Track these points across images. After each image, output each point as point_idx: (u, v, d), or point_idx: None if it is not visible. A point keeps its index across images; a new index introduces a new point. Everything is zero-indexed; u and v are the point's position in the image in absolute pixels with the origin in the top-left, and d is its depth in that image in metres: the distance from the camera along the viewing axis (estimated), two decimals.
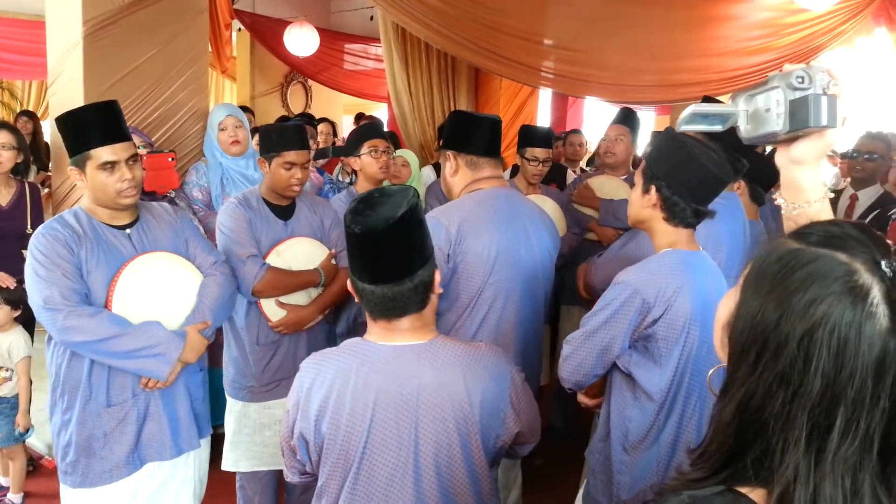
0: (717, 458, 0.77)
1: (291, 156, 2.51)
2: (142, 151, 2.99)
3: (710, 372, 0.91)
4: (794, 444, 0.69)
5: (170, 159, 3.04)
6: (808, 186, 1.02)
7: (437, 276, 1.51)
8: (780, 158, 1.04)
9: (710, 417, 0.81)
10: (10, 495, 3.13)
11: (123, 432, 2.07)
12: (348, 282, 1.51)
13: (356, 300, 1.51)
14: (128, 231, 2.10)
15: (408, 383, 1.44)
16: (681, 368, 1.77)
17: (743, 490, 0.74)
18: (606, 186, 3.66)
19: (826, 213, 1.02)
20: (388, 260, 1.43)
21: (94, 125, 2.02)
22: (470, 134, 2.28)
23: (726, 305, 0.83)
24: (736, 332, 0.76)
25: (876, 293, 0.68)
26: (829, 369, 0.67)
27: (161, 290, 2.11)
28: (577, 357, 1.84)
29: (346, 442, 1.44)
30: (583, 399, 2.09)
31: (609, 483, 1.90)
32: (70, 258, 1.96)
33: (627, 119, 3.75)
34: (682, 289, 1.74)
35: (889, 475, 0.69)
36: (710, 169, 1.73)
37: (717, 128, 1.02)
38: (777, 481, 0.70)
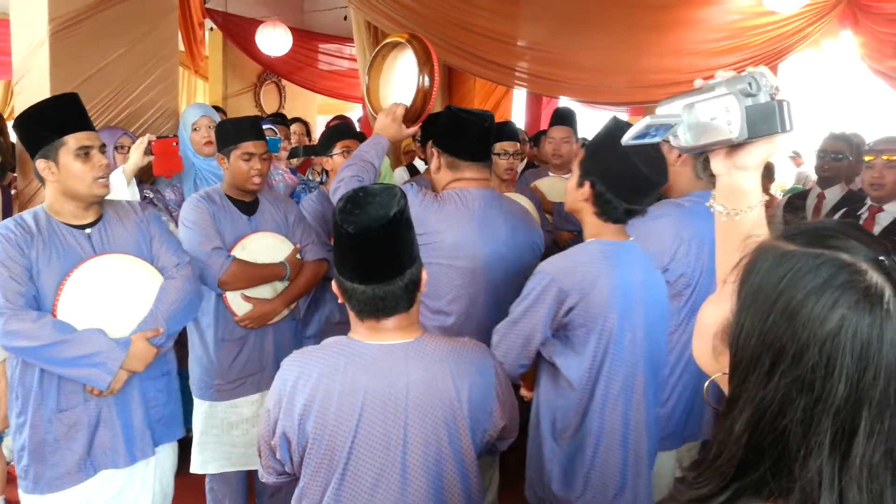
0: (726, 472, 0.74)
1: (249, 146, 2.50)
2: (151, 138, 2.98)
3: (706, 384, 0.87)
4: (818, 450, 0.67)
5: (174, 143, 3.04)
6: (751, 190, 0.98)
7: (424, 275, 1.52)
8: (720, 166, 0.99)
9: (714, 432, 0.78)
10: None
11: (74, 438, 2.01)
12: (333, 283, 1.50)
13: (340, 300, 1.50)
14: (88, 231, 2.05)
15: (396, 382, 1.44)
16: (599, 356, 1.80)
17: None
18: (556, 188, 3.66)
19: (762, 216, 0.99)
20: (379, 259, 1.43)
21: (65, 113, 2.00)
22: (455, 137, 2.25)
23: (714, 313, 0.81)
24: (740, 340, 0.74)
25: (889, 293, 0.67)
26: (852, 372, 0.66)
27: (113, 295, 2.03)
28: (503, 346, 1.86)
29: (331, 442, 1.43)
30: (523, 391, 2.11)
31: (542, 472, 1.91)
32: (20, 259, 1.92)
33: (568, 119, 3.84)
34: (599, 277, 1.76)
35: None
36: (642, 170, 1.73)
37: (658, 139, 0.98)
38: (799, 489, 0.68)
